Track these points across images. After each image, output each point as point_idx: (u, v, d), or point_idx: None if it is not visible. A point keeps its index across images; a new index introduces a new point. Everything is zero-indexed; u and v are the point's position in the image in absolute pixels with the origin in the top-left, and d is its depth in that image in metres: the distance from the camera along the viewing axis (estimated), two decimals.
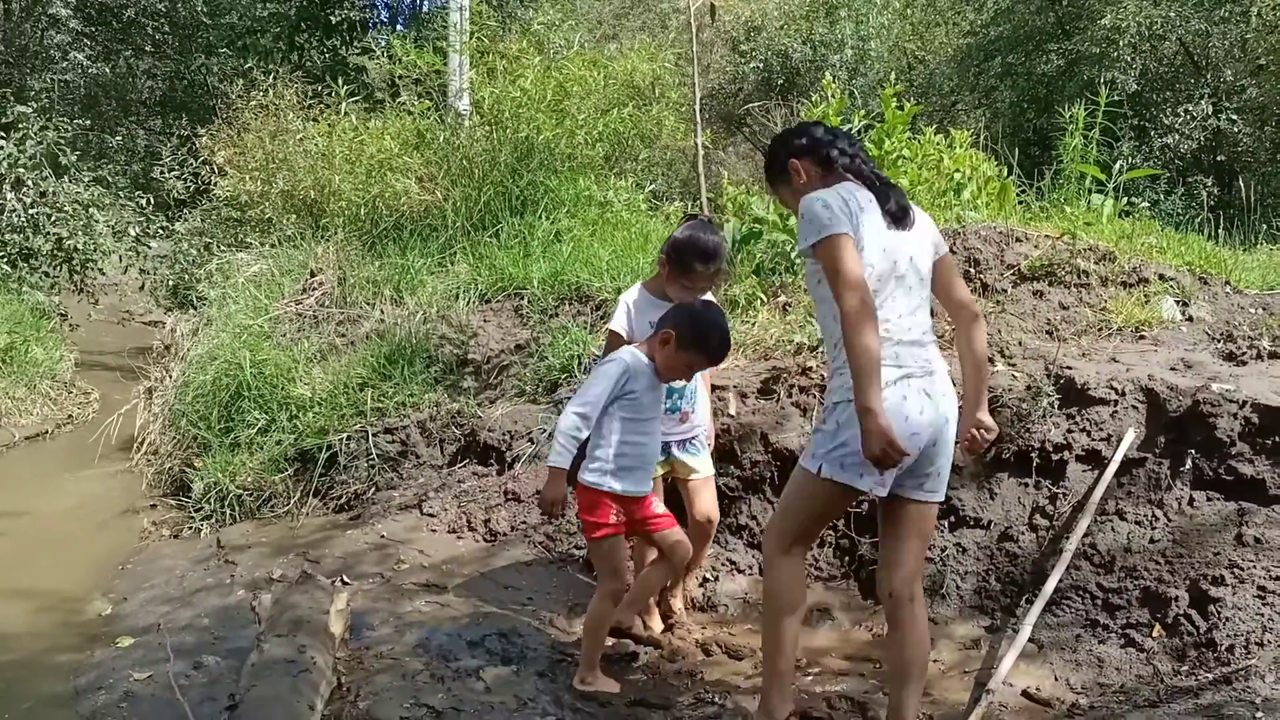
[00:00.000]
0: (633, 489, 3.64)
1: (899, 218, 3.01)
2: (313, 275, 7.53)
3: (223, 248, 9.79)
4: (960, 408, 3.15)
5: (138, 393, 7.84)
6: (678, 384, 3.95)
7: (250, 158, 10.14)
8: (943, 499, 3.07)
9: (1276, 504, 4.14)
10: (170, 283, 10.85)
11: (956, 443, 3.14)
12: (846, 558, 4.71)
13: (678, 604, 4.42)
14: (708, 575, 4.74)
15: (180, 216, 11.67)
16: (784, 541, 3.11)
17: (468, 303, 6.92)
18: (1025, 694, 3.73)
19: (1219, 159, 15.06)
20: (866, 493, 2.97)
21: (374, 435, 5.90)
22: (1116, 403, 4.56)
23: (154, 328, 11.23)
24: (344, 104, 9.60)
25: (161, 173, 11.66)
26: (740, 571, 4.77)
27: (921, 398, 2.87)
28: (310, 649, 3.67)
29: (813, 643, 4.29)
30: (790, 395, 5.08)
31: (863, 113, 6.82)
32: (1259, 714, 3.16)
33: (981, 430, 3.15)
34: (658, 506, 3.83)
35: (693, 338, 3.55)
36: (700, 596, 4.65)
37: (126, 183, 15.43)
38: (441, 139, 8.60)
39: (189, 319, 8.48)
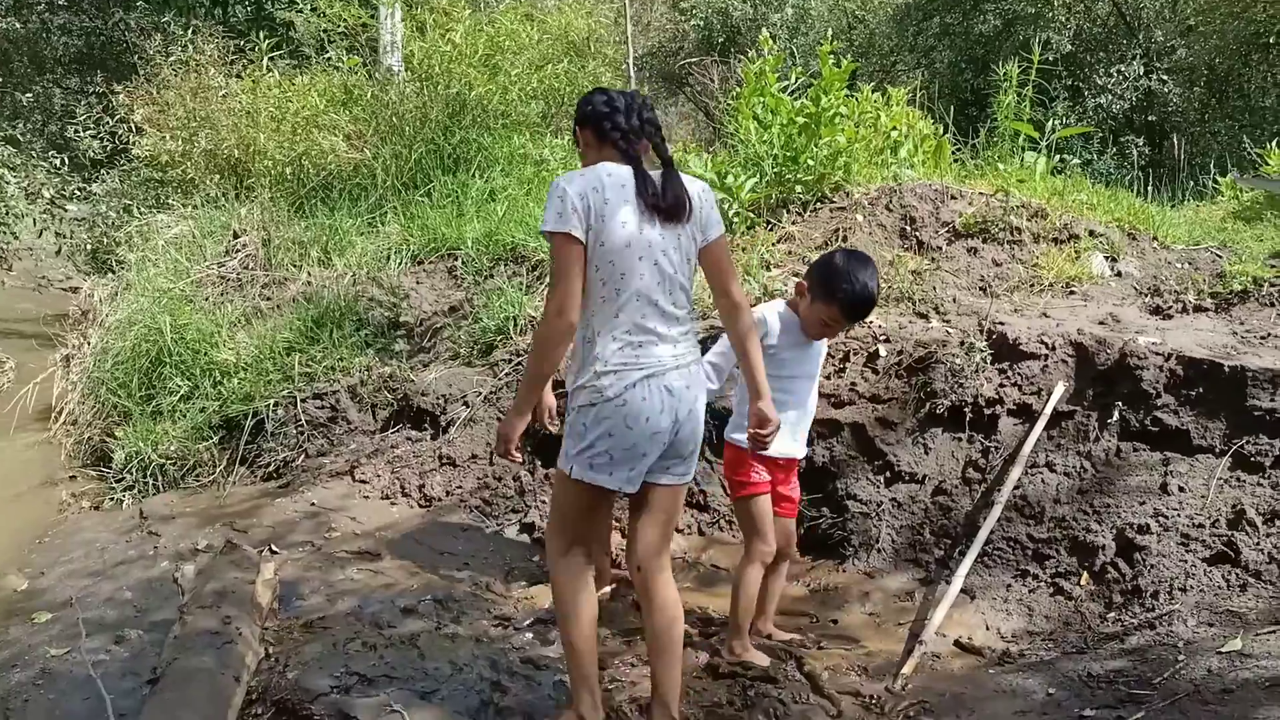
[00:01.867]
0: (774, 450, 3.36)
1: (657, 208, 2.83)
2: (236, 237, 7.28)
3: (142, 210, 9.42)
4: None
5: (54, 361, 7.54)
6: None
7: (171, 116, 9.74)
8: (687, 482, 3.02)
9: (1200, 454, 4.23)
10: (88, 247, 10.43)
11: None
12: None
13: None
14: None
15: (97, 178, 11.19)
16: (560, 543, 3.02)
17: (399, 264, 6.76)
18: (957, 643, 3.78)
19: (1150, 119, 15.29)
20: (617, 491, 2.94)
21: (302, 401, 5.74)
22: (1047, 357, 4.61)
23: (72, 294, 10.82)
24: (265, 60, 9.25)
25: (77, 132, 11.15)
26: (679, 530, 4.74)
27: (663, 395, 2.81)
28: (236, 620, 3.58)
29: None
30: None
31: (799, 70, 6.75)
32: (1181, 657, 3.23)
33: (758, 429, 3.09)
34: (793, 489, 3.68)
35: (824, 289, 3.35)
36: None
37: (42, 142, 14.78)
38: (370, 95, 8.35)
39: (107, 283, 8.15)
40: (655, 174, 2.88)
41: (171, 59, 10.21)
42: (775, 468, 3.59)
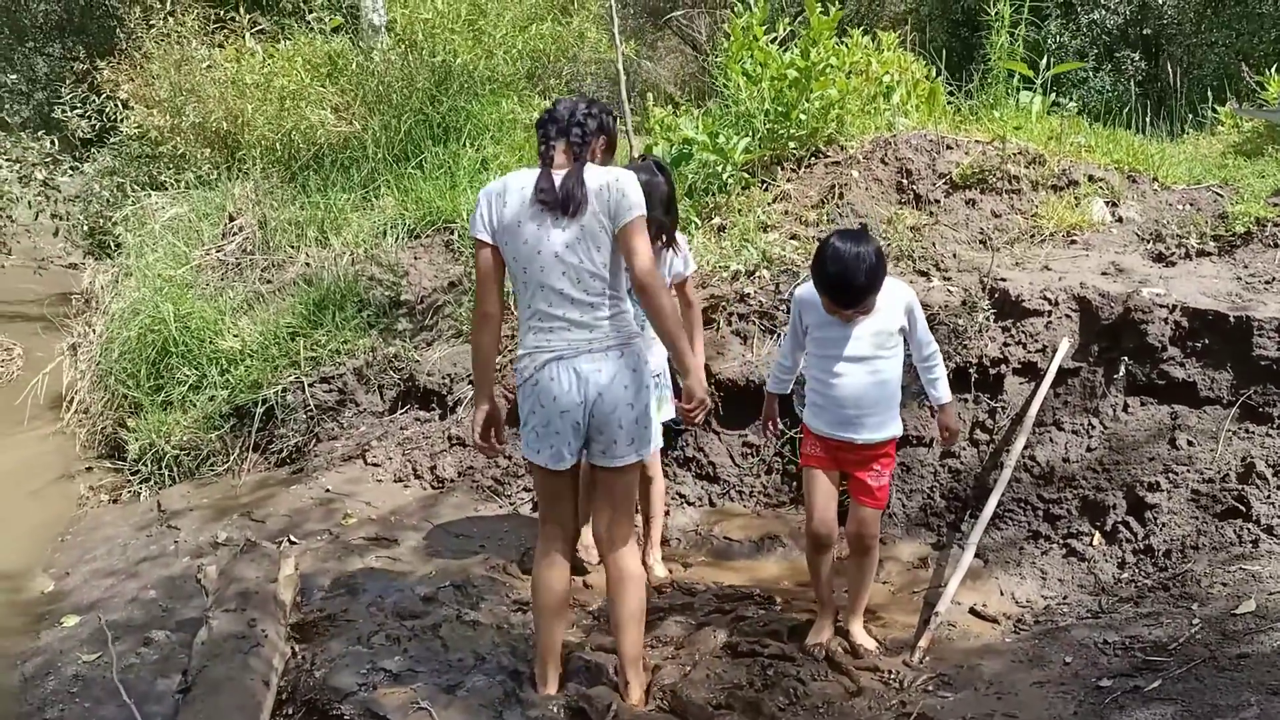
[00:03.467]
0: (824, 429, 3.48)
1: (544, 203, 3.02)
2: (231, 220, 7.24)
3: (135, 187, 9.36)
4: None
5: (62, 349, 7.57)
6: None
7: (157, 90, 9.64)
8: (624, 465, 3.11)
9: (1208, 405, 4.24)
10: (85, 226, 10.40)
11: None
12: (793, 483, 4.75)
13: (651, 558, 4.34)
14: None
15: (89, 156, 11.11)
16: (540, 523, 3.30)
17: (396, 239, 6.73)
18: (973, 611, 3.83)
19: (1145, 32, 15.01)
20: (562, 469, 3.14)
21: (310, 385, 5.77)
22: (1050, 313, 4.61)
23: (73, 270, 10.81)
24: (248, 34, 9.10)
25: (64, 111, 11.04)
26: (690, 504, 4.80)
27: (570, 377, 3.03)
28: (260, 622, 3.63)
29: (763, 572, 4.35)
30: (730, 324, 5.06)
31: (787, 21, 6.64)
32: (1196, 621, 3.27)
33: (685, 404, 3.19)
34: (873, 477, 3.50)
35: (813, 272, 3.36)
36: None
37: (33, 117, 14.58)
38: (355, 64, 8.23)
39: (107, 269, 8.13)
40: (559, 173, 3.05)
41: (153, 29, 10.06)
42: (837, 449, 3.50)
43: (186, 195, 8.13)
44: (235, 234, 7.12)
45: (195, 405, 5.89)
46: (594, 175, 3.05)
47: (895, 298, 3.43)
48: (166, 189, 8.63)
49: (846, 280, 3.24)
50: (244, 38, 9.18)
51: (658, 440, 3.96)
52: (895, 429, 3.50)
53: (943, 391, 3.58)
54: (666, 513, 4.74)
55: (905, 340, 3.49)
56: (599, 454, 3.14)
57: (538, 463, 3.17)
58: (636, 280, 3.02)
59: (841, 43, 6.62)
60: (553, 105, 3.21)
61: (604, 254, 3.04)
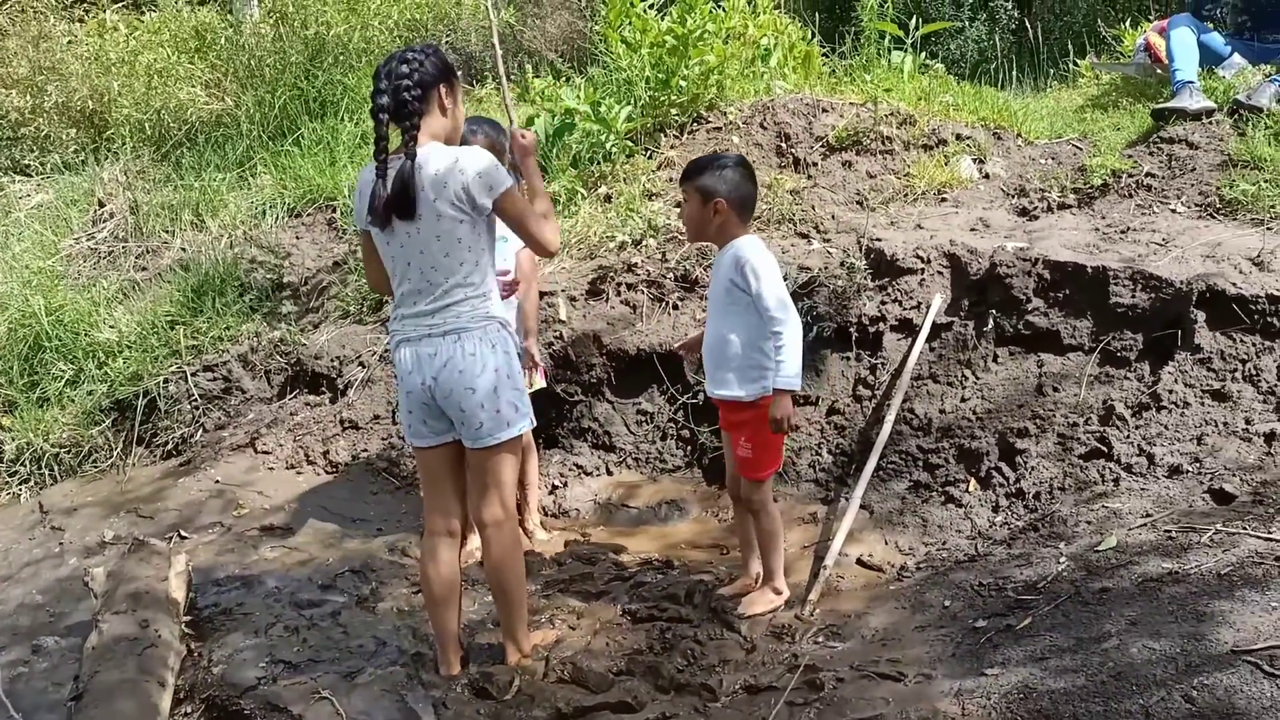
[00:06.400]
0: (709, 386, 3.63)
1: (384, 208, 3.01)
2: (101, 206, 6.97)
3: None
4: None
5: None
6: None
7: (14, 68, 9.16)
8: (483, 447, 3.14)
9: (1070, 352, 4.46)
10: None
11: None
12: (688, 447, 4.86)
13: (531, 523, 4.44)
14: (556, 483, 4.82)
15: None
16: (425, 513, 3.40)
17: (276, 219, 6.57)
18: (860, 561, 3.98)
19: None
20: (426, 445, 3.25)
21: (193, 375, 5.64)
22: (923, 271, 4.78)
23: None
24: (108, 11, 8.71)
25: None
26: (588, 474, 4.87)
27: (414, 359, 3.12)
28: (153, 622, 3.57)
29: (668, 537, 4.46)
30: (619, 294, 5.11)
31: None
32: (1063, 560, 3.47)
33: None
34: (742, 446, 3.54)
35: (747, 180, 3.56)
36: (552, 505, 4.73)
37: None
38: (224, 39, 7.96)
39: None
40: (396, 162, 3.00)
41: (6, 4, 9.54)
42: (721, 409, 3.63)
43: (53, 180, 7.79)
44: (106, 220, 6.86)
45: (74, 400, 5.71)
46: (433, 159, 3.00)
47: (731, 249, 3.44)
48: (31, 175, 8.25)
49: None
50: (105, 12, 8.77)
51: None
52: (743, 391, 3.44)
53: (782, 374, 3.35)
54: (565, 484, 4.81)
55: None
56: (460, 434, 3.19)
57: (406, 436, 3.36)
58: (535, 240, 3.16)
59: (719, 6, 6.66)
60: (375, 74, 3.07)
61: (445, 241, 3.03)
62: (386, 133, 3.02)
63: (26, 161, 8.61)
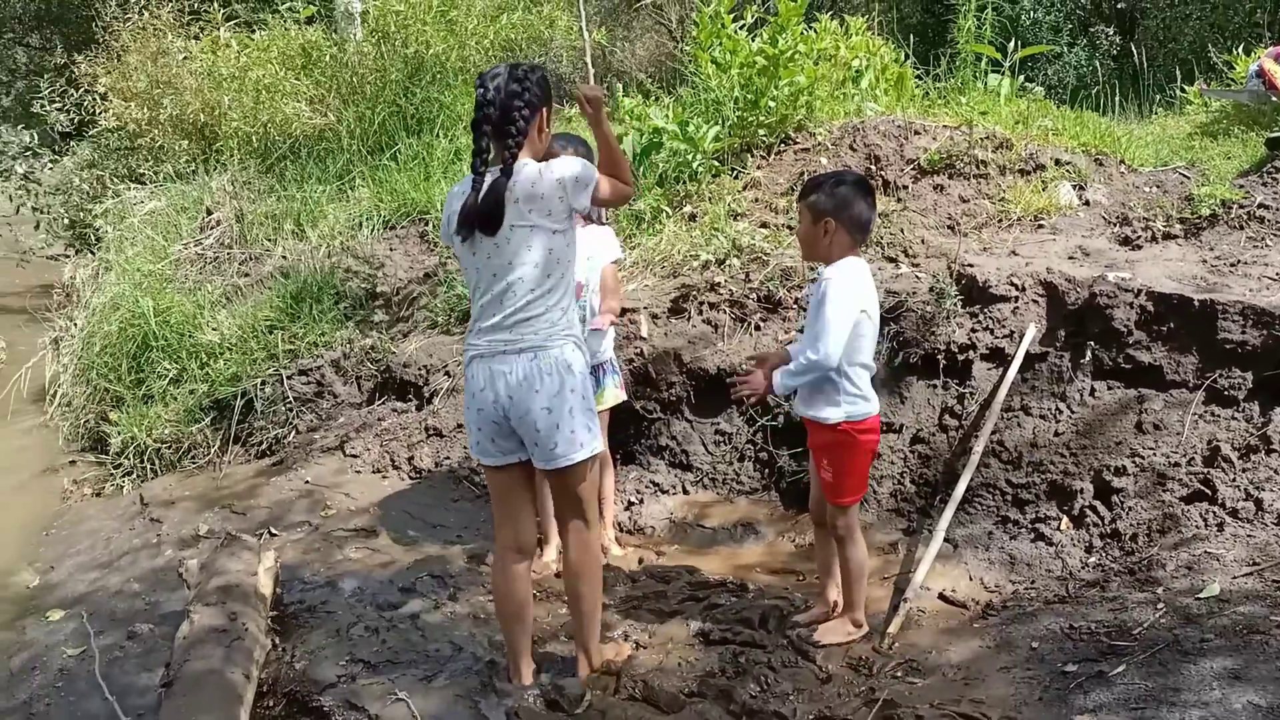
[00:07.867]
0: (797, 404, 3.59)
1: (471, 220, 3.04)
2: (209, 214, 7.27)
3: (114, 179, 9.38)
4: None
5: (44, 343, 7.60)
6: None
7: (134, 82, 9.63)
8: (557, 469, 3.12)
9: (1173, 389, 4.29)
10: (66, 219, 10.43)
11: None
12: (765, 470, 4.82)
13: (605, 538, 4.41)
14: (632, 499, 4.82)
15: (68, 150, 11.12)
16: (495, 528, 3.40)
17: (371, 231, 6.76)
18: (942, 596, 3.87)
19: (1119, 5, 15.05)
20: (494, 465, 3.23)
21: (289, 378, 5.82)
22: (1017, 299, 4.66)
23: (55, 262, 10.83)
24: (222, 29, 9.08)
25: (43, 106, 11.05)
26: (664, 492, 4.86)
27: (487, 375, 3.11)
28: (241, 615, 3.67)
29: (741, 559, 4.42)
30: (701, 313, 5.11)
31: (755, 7, 6.67)
32: (1160, 605, 3.33)
33: None
34: (825, 470, 3.50)
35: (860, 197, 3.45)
36: (627, 521, 4.74)
37: (13, 107, 14.47)
38: (329, 56, 8.24)
39: (87, 263, 8.16)
40: (492, 175, 3.03)
41: (129, 21, 10.04)
42: (809, 428, 3.56)
43: (165, 189, 8.14)
44: (213, 228, 7.15)
45: (176, 399, 5.95)
46: (522, 174, 3.02)
47: (828, 270, 3.35)
48: (145, 182, 8.64)
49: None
50: (218, 29, 9.15)
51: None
52: (825, 413, 3.37)
53: (787, 371, 3.34)
54: (641, 501, 4.82)
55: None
56: (533, 455, 3.17)
57: (474, 455, 3.31)
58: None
59: (810, 28, 6.65)
60: (480, 85, 3.05)
61: (526, 255, 3.04)
62: (489, 145, 3.04)
63: (142, 170, 9.05)
